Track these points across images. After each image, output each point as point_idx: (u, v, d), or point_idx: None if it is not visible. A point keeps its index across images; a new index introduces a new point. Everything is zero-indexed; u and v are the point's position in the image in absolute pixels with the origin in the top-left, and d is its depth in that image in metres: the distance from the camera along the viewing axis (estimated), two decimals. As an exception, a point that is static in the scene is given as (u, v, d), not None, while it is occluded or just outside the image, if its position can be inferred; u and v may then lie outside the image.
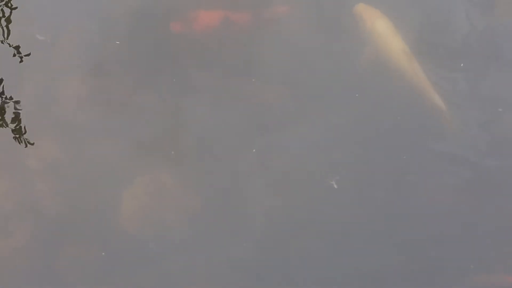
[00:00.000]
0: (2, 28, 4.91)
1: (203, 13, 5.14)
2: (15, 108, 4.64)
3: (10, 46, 4.86)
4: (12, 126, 4.61)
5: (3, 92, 4.68)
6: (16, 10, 5.03)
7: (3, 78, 4.77)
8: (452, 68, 5.01)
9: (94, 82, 4.90)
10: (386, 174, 4.64)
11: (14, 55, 4.85)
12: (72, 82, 4.86)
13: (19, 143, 4.58)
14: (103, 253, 4.35)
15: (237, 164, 4.64)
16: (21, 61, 4.81)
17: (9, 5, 5.01)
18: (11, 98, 4.68)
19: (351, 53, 5.07)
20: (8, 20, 4.93)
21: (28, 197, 4.49)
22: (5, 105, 4.65)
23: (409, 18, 5.19)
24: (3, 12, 4.98)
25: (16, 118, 4.61)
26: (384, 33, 5.03)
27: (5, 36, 4.88)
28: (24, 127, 4.64)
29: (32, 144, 4.58)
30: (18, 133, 4.57)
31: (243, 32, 5.15)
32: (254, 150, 4.67)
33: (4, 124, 4.60)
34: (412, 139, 4.77)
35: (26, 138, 4.58)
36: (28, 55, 4.86)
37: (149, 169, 4.62)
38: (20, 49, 4.87)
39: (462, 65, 5.02)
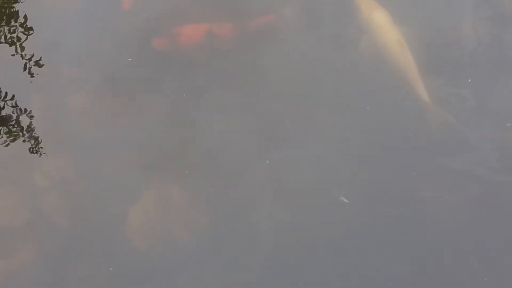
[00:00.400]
0: (16, 46, 4.97)
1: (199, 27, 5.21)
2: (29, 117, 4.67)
3: (23, 58, 4.92)
4: (27, 135, 4.64)
5: (16, 105, 4.72)
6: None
7: (14, 94, 4.82)
8: (460, 84, 5.04)
9: (103, 98, 4.92)
10: (396, 189, 4.63)
11: (29, 72, 4.89)
12: (81, 97, 4.88)
13: (35, 153, 4.59)
14: (110, 269, 4.31)
15: (245, 178, 4.62)
16: (32, 76, 4.87)
17: (24, 25, 5.09)
18: (25, 110, 4.71)
19: (360, 64, 5.11)
20: (18, 39, 5.00)
21: (36, 212, 4.48)
22: (20, 117, 4.68)
23: (407, 10, 5.33)
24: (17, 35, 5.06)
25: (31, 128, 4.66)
26: (380, 23, 5.18)
27: (19, 51, 4.95)
28: (39, 138, 4.67)
29: (45, 154, 4.58)
30: (35, 143, 4.60)
31: (246, 44, 5.20)
32: (267, 162, 4.66)
33: (20, 135, 4.63)
34: (422, 154, 4.75)
35: (41, 147, 4.61)
36: (39, 63, 4.91)
37: (158, 184, 4.61)
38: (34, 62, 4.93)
39: (469, 80, 5.05)
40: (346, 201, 4.52)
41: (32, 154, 4.61)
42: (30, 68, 4.85)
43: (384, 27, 5.16)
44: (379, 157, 4.72)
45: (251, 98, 4.92)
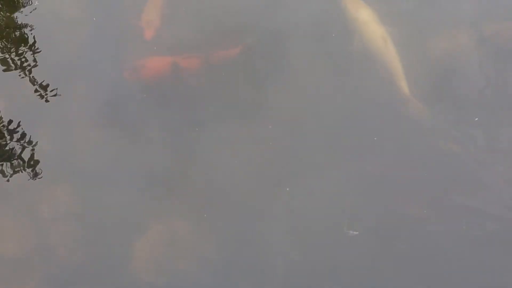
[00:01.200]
0: (25, 72, 4.93)
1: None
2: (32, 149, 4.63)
3: (34, 84, 4.88)
4: (29, 170, 4.59)
5: (22, 137, 4.67)
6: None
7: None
8: (469, 123, 5.01)
9: (109, 130, 4.88)
10: (407, 225, 4.60)
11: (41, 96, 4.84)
12: (87, 129, 4.85)
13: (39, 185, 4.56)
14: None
15: (254, 210, 4.58)
16: (47, 101, 4.84)
17: (33, 48, 5.06)
18: (30, 142, 4.63)
19: (367, 91, 5.10)
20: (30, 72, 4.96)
21: (42, 244, 4.43)
22: (24, 149, 4.62)
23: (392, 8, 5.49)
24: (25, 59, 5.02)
25: (34, 161, 4.61)
26: (366, 21, 5.42)
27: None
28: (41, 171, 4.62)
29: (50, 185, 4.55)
30: (38, 175, 4.57)
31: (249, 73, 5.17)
32: (287, 189, 4.64)
33: (23, 169, 4.57)
34: (435, 191, 4.71)
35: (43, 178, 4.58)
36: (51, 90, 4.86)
37: (164, 216, 4.57)
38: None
39: (476, 119, 5.04)
40: (356, 232, 4.49)
41: (37, 186, 4.56)
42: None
43: (370, 25, 5.40)
44: (390, 193, 4.68)
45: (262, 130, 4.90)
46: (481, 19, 5.41)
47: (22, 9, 5.23)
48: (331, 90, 5.10)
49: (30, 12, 5.23)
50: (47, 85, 4.93)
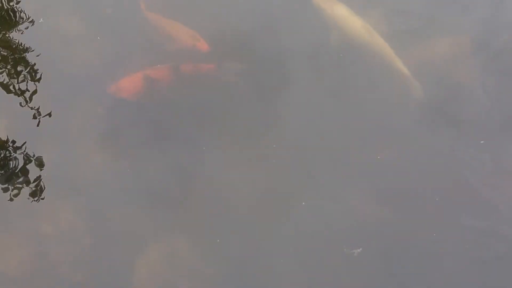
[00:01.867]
0: (25, 97, 4.99)
1: None
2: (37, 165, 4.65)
3: (31, 109, 4.93)
4: (33, 185, 4.61)
5: (27, 153, 4.71)
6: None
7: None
8: (477, 145, 5.00)
9: (110, 148, 4.90)
10: (416, 247, 4.57)
11: (35, 117, 4.89)
12: (88, 147, 4.87)
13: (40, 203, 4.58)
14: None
15: (255, 230, 4.57)
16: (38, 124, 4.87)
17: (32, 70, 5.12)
18: (33, 155, 4.68)
19: (369, 109, 5.12)
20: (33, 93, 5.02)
21: (42, 263, 4.42)
22: (27, 164, 4.65)
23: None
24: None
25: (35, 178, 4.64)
26: (343, 15, 5.55)
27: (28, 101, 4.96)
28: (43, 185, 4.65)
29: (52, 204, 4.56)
30: (37, 194, 4.58)
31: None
32: (303, 203, 4.63)
33: (25, 185, 4.61)
34: (443, 213, 4.69)
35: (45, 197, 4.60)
36: (49, 114, 4.91)
37: (165, 235, 4.56)
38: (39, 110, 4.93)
39: (482, 142, 5.03)
40: (359, 250, 4.45)
41: (38, 204, 4.58)
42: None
43: (348, 19, 5.53)
44: (399, 215, 4.66)
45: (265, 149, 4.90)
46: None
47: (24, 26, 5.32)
48: (334, 107, 5.13)
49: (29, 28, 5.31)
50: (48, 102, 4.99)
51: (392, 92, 5.21)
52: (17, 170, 4.64)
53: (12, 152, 4.72)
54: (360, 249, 4.44)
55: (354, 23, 5.50)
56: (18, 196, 4.57)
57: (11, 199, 4.56)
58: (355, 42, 5.41)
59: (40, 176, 4.65)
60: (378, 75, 5.30)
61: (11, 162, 4.67)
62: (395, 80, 5.25)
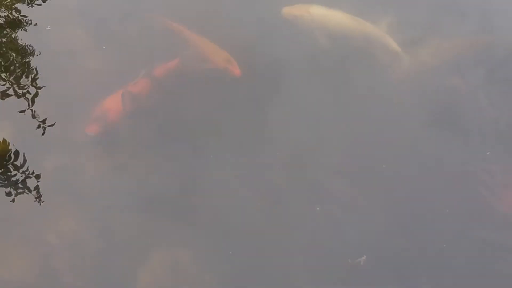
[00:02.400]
0: (29, 106, 5.01)
1: None
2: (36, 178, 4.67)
3: (34, 118, 4.95)
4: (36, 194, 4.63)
5: (26, 169, 4.71)
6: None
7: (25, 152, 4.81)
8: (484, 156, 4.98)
9: (113, 158, 4.91)
10: (427, 259, 4.52)
11: (39, 127, 4.91)
12: (91, 156, 4.88)
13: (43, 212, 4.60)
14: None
15: (256, 240, 4.53)
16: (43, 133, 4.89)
17: (35, 83, 5.13)
18: (33, 173, 4.69)
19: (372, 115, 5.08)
20: (33, 101, 5.04)
21: (46, 272, 4.40)
22: (27, 179, 4.66)
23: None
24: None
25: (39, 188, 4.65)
26: (322, 13, 5.76)
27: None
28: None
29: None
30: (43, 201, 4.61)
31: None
32: (318, 208, 4.60)
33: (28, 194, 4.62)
34: (453, 225, 4.65)
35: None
36: (52, 125, 4.92)
37: (168, 245, 4.55)
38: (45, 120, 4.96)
39: (488, 153, 4.95)
40: (363, 257, 4.39)
41: (41, 212, 4.59)
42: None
43: (328, 15, 5.71)
44: (407, 227, 4.63)
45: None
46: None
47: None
48: (333, 116, 5.12)
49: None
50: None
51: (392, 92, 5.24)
52: (18, 178, 4.66)
53: (14, 159, 4.74)
54: (364, 256, 4.38)
55: (335, 16, 5.68)
56: (21, 204, 4.58)
57: (13, 206, 4.56)
58: (343, 32, 5.59)
59: (40, 184, 4.67)
60: (378, 74, 5.38)
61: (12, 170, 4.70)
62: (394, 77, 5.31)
